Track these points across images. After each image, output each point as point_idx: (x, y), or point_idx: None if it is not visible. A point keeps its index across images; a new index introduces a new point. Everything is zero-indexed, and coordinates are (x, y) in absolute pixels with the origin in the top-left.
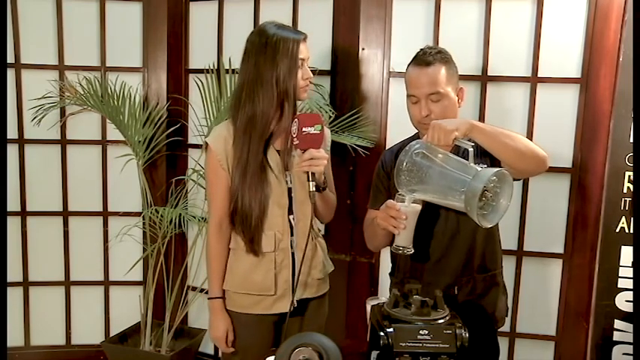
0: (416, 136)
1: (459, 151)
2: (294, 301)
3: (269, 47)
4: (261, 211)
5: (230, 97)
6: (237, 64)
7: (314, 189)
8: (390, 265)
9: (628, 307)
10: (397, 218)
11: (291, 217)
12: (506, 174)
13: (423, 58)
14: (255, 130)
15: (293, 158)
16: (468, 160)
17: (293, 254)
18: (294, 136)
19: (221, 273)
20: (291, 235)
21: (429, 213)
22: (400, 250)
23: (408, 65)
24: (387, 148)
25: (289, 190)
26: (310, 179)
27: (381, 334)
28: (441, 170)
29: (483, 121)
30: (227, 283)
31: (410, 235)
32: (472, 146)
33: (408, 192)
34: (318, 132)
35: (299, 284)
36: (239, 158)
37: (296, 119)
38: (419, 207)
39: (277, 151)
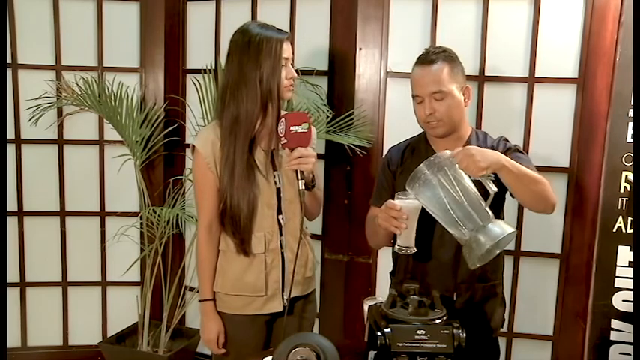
0: (422, 135)
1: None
2: (286, 300)
3: (252, 47)
4: (250, 211)
5: (216, 98)
6: None
7: (303, 187)
8: (392, 264)
9: (625, 307)
10: (398, 218)
11: (280, 217)
12: (514, 234)
13: (426, 57)
14: (240, 129)
15: (281, 158)
16: (486, 198)
17: (282, 254)
18: (282, 135)
19: (212, 275)
20: (280, 234)
21: None
22: (403, 250)
23: (413, 66)
24: (388, 146)
25: (278, 190)
26: (299, 178)
27: (379, 334)
28: (457, 199)
29: (481, 121)
30: (218, 284)
31: (412, 234)
32: (494, 192)
33: (415, 197)
34: (306, 130)
35: (294, 283)
36: (226, 159)
37: (283, 118)
38: (420, 204)
39: (264, 151)
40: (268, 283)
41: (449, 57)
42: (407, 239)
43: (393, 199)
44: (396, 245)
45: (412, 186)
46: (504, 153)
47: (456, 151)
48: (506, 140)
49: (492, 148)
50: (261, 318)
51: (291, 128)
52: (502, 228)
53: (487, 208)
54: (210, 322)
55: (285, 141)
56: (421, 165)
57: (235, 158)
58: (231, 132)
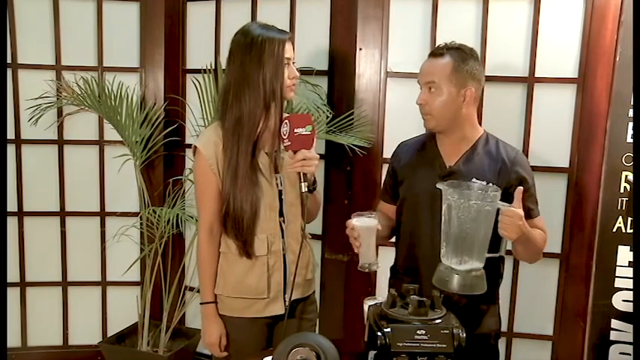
0: (431, 133)
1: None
2: (288, 303)
3: (254, 48)
4: (253, 213)
5: (218, 99)
6: None
7: (306, 190)
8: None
9: (625, 307)
10: (351, 237)
11: (281, 219)
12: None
13: (436, 50)
14: (243, 131)
15: (282, 160)
16: (489, 251)
17: (284, 256)
18: (285, 137)
19: (213, 277)
20: (282, 236)
21: (438, 219)
22: (366, 267)
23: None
24: (388, 146)
25: (280, 192)
26: (302, 180)
27: (379, 334)
28: (474, 228)
29: (481, 121)
30: (219, 287)
31: (368, 252)
32: (499, 255)
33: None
34: (309, 133)
35: (295, 286)
36: (229, 160)
37: (287, 120)
38: (374, 223)
39: (267, 153)
40: (271, 285)
41: (460, 55)
42: (364, 256)
43: (394, 194)
44: (359, 264)
45: (457, 186)
46: (516, 183)
47: (518, 201)
48: (527, 170)
49: (504, 161)
50: (262, 320)
51: (295, 130)
52: (475, 287)
53: (484, 257)
54: (211, 326)
55: (289, 143)
56: (476, 185)
57: (239, 159)
58: (234, 133)
